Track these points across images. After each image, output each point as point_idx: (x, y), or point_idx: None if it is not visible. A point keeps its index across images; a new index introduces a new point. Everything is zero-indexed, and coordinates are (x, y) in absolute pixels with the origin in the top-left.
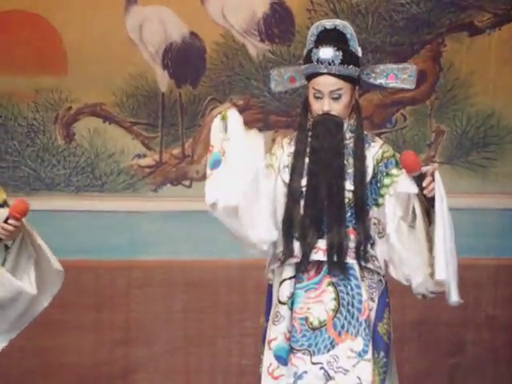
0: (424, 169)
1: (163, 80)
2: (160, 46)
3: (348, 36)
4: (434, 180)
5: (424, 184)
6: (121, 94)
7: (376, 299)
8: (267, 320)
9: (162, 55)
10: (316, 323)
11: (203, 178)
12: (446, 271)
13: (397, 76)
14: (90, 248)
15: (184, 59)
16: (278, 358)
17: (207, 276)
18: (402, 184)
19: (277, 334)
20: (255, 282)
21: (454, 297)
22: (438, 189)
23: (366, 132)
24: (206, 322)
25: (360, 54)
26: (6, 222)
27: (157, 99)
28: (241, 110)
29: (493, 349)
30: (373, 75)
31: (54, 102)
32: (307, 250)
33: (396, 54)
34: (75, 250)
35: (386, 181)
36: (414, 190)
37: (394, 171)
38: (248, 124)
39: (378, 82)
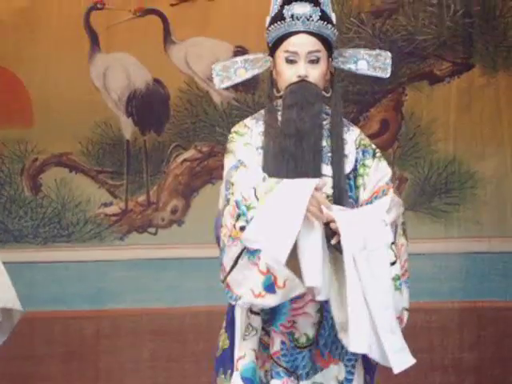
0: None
1: (127, 127)
2: (123, 93)
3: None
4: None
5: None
6: (86, 143)
7: None
8: (230, 341)
9: (125, 102)
10: (303, 340)
11: (168, 225)
12: (357, 343)
13: (368, 63)
14: (58, 298)
15: (148, 106)
16: (245, 380)
17: (175, 324)
18: None
19: (245, 350)
20: None
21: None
22: (343, 235)
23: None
24: (174, 371)
25: (334, 21)
26: None
27: (122, 147)
28: (205, 157)
29: None
30: (340, 59)
31: (20, 154)
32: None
33: (359, 102)
34: (44, 301)
35: (361, 171)
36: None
37: (368, 162)
38: (213, 171)
39: (347, 67)
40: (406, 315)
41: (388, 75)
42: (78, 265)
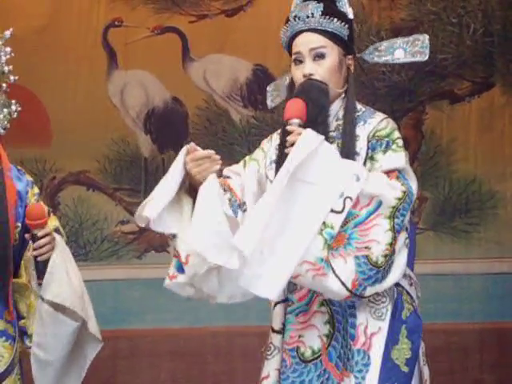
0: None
1: (146, 145)
2: (142, 111)
3: None
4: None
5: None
6: (104, 160)
7: (387, 316)
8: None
9: (143, 120)
10: (308, 354)
11: None
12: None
13: (405, 50)
14: None
15: (166, 124)
16: None
17: (194, 344)
18: None
19: (269, 370)
20: (242, 349)
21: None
22: (290, 156)
23: (364, 108)
24: None
25: (351, 17)
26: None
27: (139, 164)
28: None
29: None
30: (376, 53)
31: (39, 173)
32: None
33: None
34: None
35: (368, 165)
36: None
37: (377, 156)
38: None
39: (384, 59)
40: (318, 267)
41: (426, 58)
42: (95, 284)
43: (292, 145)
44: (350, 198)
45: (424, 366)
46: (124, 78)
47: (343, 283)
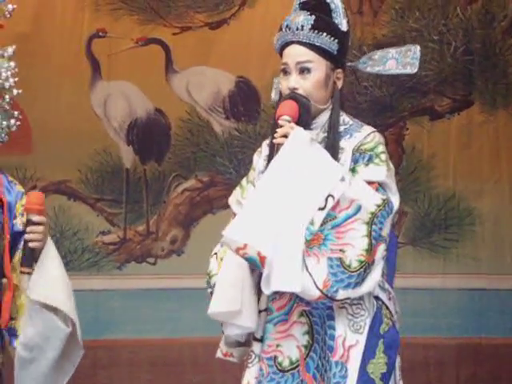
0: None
1: (128, 156)
2: (124, 122)
3: (332, 6)
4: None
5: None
6: (86, 170)
7: (365, 330)
8: None
9: (126, 131)
10: (286, 363)
11: (168, 255)
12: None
13: (397, 60)
14: None
15: (149, 135)
16: None
17: (172, 355)
18: None
19: (249, 378)
20: (221, 359)
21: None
22: (283, 151)
23: (352, 121)
24: None
25: (345, 29)
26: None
27: (121, 175)
28: (206, 187)
29: None
30: (370, 63)
31: (19, 181)
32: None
33: None
34: None
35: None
36: None
37: (359, 168)
38: (213, 201)
39: (376, 69)
40: None
41: (415, 70)
42: (76, 294)
43: (282, 136)
44: (333, 197)
45: (400, 381)
46: (107, 89)
47: (314, 281)
